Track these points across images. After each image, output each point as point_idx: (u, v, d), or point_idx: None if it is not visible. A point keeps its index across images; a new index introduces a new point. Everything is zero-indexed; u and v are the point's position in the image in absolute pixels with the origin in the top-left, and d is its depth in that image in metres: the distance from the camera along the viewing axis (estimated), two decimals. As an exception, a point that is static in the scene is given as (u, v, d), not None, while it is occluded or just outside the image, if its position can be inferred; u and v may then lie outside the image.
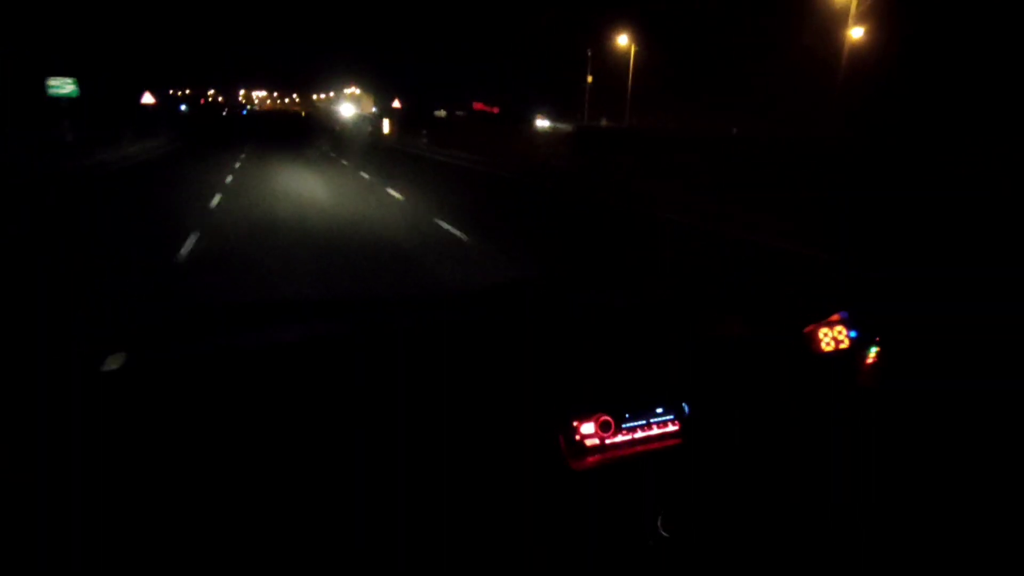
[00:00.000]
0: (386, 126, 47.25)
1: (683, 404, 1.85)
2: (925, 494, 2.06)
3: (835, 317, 2.16)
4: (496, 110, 66.71)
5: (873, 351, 2.16)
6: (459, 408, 1.64)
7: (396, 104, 51.67)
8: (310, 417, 1.55)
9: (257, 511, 1.46)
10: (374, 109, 74.32)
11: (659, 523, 1.70)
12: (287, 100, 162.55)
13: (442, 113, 69.15)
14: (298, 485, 1.49)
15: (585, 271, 3.91)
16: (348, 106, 66.18)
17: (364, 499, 1.52)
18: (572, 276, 2.91)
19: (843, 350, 2.12)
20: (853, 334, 2.15)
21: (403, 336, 1.81)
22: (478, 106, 69.36)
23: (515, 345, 1.83)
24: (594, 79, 42.16)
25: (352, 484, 1.52)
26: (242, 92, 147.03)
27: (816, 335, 2.11)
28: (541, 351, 1.81)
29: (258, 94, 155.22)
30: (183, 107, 70.90)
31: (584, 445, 1.74)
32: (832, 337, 2.12)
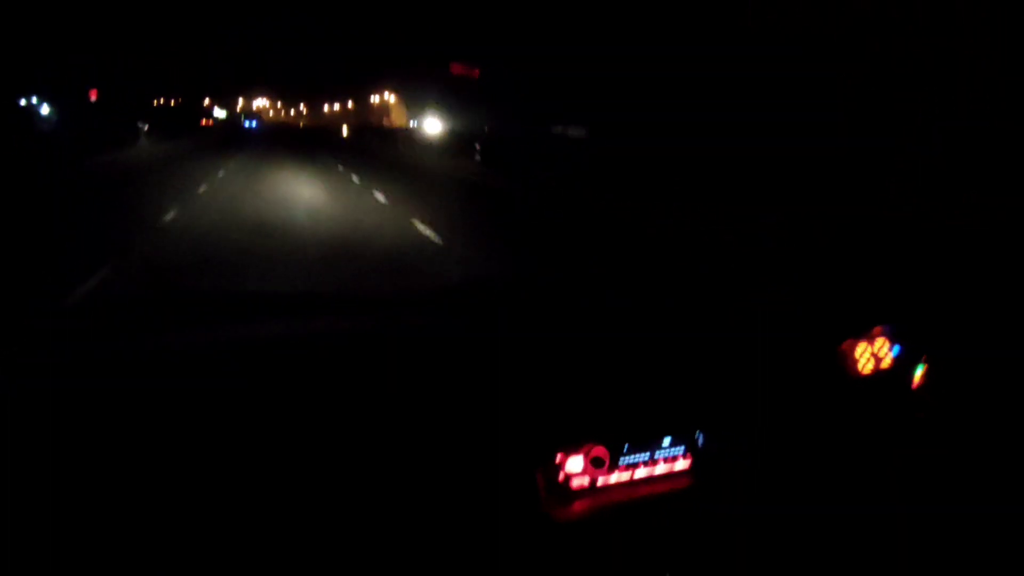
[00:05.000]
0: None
1: (697, 433, 1.50)
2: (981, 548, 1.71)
3: (876, 330, 1.81)
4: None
5: (920, 370, 1.82)
6: (409, 441, 1.30)
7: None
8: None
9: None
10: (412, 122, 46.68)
11: None
12: (292, 112, 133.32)
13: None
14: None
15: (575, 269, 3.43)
16: (433, 121, 36.05)
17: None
18: (557, 273, 2.57)
19: (884, 370, 1.78)
20: (896, 350, 1.81)
21: (361, 347, 1.50)
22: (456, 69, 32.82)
23: (488, 358, 1.50)
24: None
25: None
26: (240, 101, 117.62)
27: (853, 353, 1.77)
28: (518, 364, 1.47)
29: (259, 103, 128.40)
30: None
31: (570, 487, 1.38)
32: (872, 354, 1.78)
